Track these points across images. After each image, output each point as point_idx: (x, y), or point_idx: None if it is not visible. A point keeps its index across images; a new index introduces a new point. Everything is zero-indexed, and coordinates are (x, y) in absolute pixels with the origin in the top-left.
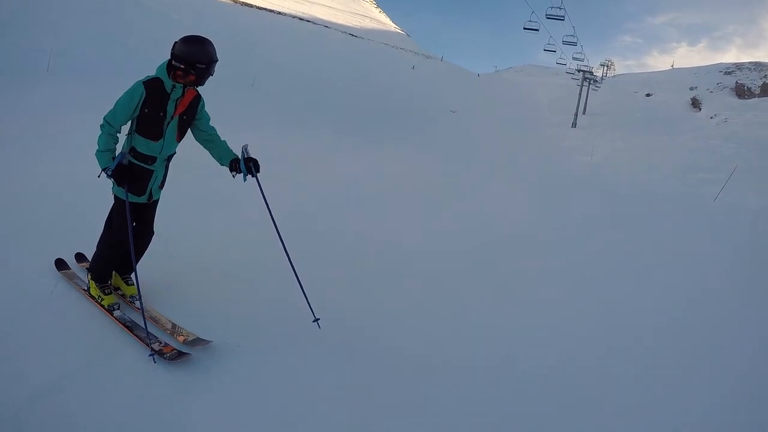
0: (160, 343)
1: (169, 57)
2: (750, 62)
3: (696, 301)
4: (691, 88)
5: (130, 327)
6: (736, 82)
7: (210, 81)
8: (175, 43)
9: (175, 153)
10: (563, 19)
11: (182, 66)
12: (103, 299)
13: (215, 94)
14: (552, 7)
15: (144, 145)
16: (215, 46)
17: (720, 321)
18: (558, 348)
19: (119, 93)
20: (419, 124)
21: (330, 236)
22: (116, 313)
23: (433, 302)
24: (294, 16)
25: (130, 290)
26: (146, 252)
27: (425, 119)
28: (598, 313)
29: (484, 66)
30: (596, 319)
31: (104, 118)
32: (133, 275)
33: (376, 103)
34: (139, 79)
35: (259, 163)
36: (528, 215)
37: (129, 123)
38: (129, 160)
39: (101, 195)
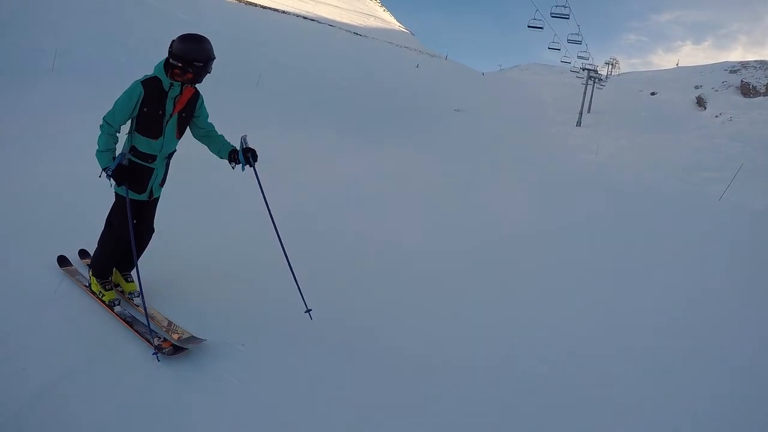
0: (159, 338)
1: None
2: (755, 61)
3: (696, 301)
4: (696, 87)
5: (130, 323)
6: (742, 81)
7: (214, 80)
8: (173, 41)
9: (175, 150)
10: (568, 18)
11: (180, 64)
12: (104, 295)
13: (220, 94)
14: (557, 6)
15: (144, 144)
16: (218, 46)
17: (720, 321)
18: (558, 348)
19: (119, 93)
20: (423, 123)
21: (330, 236)
22: (117, 308)
23: (433, 302)
24: (298, 15)
25: (129, 287)
26: (146, 250)
27: (429, 118)
28: (599, 313)
29: (488, 64)
30: (596, 319)
31: (104, 118)
32: (133, 272)
33: (380, 102)
34: (137, 78)
35: (260, 160)
36: (531, 214)
37: (129, 122)
38: (129, 160)
39: (101, 195)
